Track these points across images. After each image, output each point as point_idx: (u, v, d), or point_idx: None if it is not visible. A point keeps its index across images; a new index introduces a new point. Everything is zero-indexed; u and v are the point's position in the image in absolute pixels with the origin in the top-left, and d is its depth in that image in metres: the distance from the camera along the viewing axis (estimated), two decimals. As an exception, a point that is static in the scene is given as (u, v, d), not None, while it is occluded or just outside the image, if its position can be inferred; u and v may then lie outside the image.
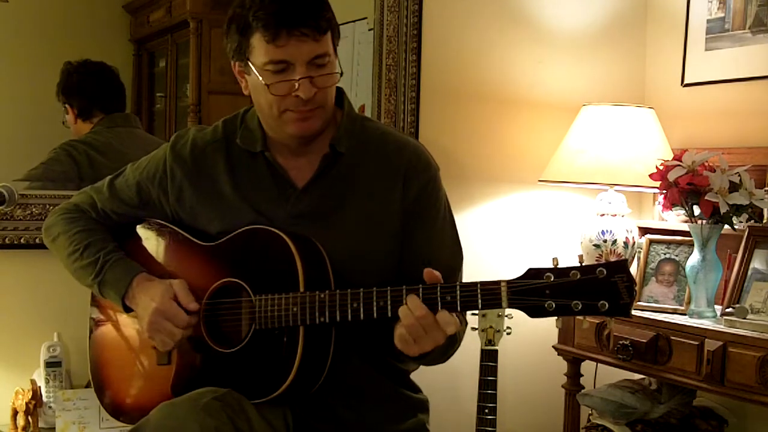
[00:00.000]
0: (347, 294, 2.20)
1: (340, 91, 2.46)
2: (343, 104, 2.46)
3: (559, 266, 2.06)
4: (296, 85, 2.25)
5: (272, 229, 2.32)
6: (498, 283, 2.08)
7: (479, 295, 2.11)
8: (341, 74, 2.34)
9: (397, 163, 2.40)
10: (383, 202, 2.38)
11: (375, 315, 2.17)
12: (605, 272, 2.00)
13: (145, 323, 2.37)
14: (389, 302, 2.16)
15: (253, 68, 2.29)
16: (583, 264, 2.04)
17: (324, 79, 2.29)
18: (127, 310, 2.44)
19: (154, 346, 2.41)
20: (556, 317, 2.07)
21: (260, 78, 2.28)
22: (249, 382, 2.30)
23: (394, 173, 2.39)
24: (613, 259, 3.31)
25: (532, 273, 2.06)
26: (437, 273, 2.15)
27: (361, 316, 2.18)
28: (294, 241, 2.27)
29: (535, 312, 2.05)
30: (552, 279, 2.03)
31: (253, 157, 2.43)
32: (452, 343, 2.32)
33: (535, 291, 2.04)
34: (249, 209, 2.40)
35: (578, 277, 2.02)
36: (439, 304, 2.12)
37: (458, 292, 2.11)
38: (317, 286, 2.24)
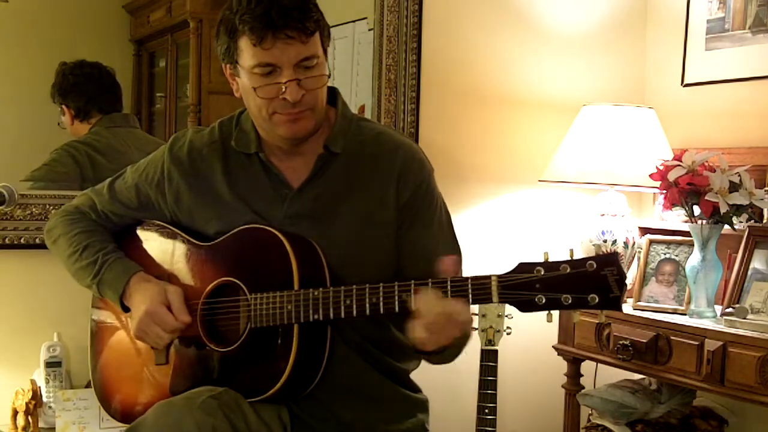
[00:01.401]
0: (340, 291, 2.20)
1: (334, 91, 2.47)
2: (337, 104, 2.46)
3: (549, 260, 2.06)
4: (283, 87, 2.25)
5: (268, 228, 2.33)
6: (488, 277, 2.08)
7: (470, 290, 2.10)
8: (329, 76, 2.33)
9: (391, 163, 2.40)
10: (378, 201, 2.38)
11: (368, 312, 2.17)
12: (595, 265, 2.00)
13: (134, 325, 2.39)
14: (381, 299, 2.16)
15: (241, 71, 2.29)
16: (574, 258, 2.04)
17: (312, 81, 2.28)
18: (126, 309, 2.45)
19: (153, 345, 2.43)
20: (547, 311, 2.07)
21: (248, 81, 2.28)
22: (245, 380, 2.31)
23: (389, 173, 2.39)
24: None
25: (523, 267, 2.07)
26: (447, 262, 2.16)
27: (354, 313, 2.19)
28: (289, 239, 2.28)
29: (525, 306, 2.05)
30: (542, 273, 2.03)
31: (249, 159, 2.43)
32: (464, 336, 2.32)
33: (526, 285, 2.04)
34: (246, 210, 2.41)
35: (568, 270, 2.01)
36: None
37: (449, 287, 2.11)
38: (312, 285, 2.25)
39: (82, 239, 2.54)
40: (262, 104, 2.30)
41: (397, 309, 2.16)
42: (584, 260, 2.01)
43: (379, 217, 2.38)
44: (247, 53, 2.25)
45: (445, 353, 2.27)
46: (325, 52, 2.32)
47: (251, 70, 2.26)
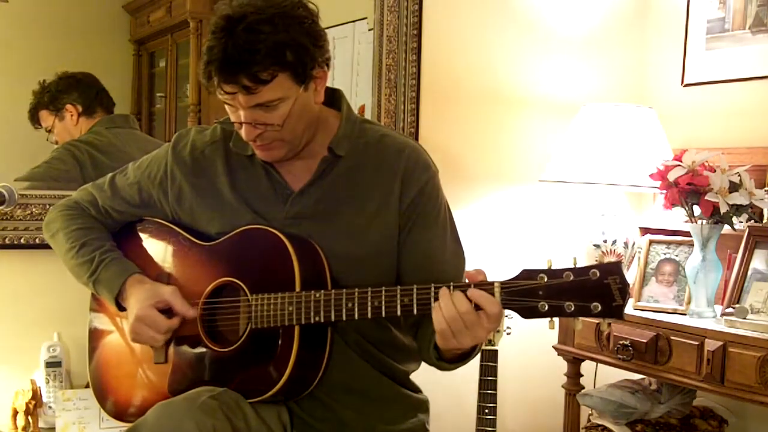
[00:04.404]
0: (342, 294, 2.20)
1: (338, 94, 2.46)
2: (342, 107, 2.45)
3: (553, 267, 2.05)
4: (241, 124, 2.25)
5: (270, 229, 2.32)
6: (491, 283, 2.07)
7: None
8: (283, 123, 2.25)
9: (395, 165, 2.39)
10: (381, 204, 2.37)
11: (369, 315, 2.17)
12: (598, 274, 1.99)
13: (128, 328, 2.40)
14: (383, 302, 2.16)
15: None
16: (577, 265, 2.04)
17: (269, 121, 2.24)
18: (121, 309, 2.46)
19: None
20: (549, 318, 2.06)
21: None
22: (245, 381, 2.30)
23: (392, 175, 2.38)
24: (612, 259, 3.31)
25: (526, 274, 2.05)
26: (475, 273, 2.14)
27: (356, 315, 2.18)
28: (291, 240, 2.28)
29: (528, 313, 2.04)
30: (545, 280, 2.02)
31: (250, 159, 2.42)
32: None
33: (529, 292, 2.03)
34: (247, 210, 2.40)
35: (571, 278, 2.01)
36: (432, 303, 2.12)
37: (451, 291, 2.09)
38: (314, 286, 2.24)
39: (80, 236, 2.53)
40: (236, 128, 2.31)
41: (399, 313, 2.15)
42: (587, 268, 2.01)
43: (382, 219, 2.37)
44: (211, 86, 2.24)
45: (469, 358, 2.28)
46: (304, 82, 2.23)
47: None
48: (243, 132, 2.26)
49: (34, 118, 3.17)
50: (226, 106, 2.27)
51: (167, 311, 2.38)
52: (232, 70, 2.14)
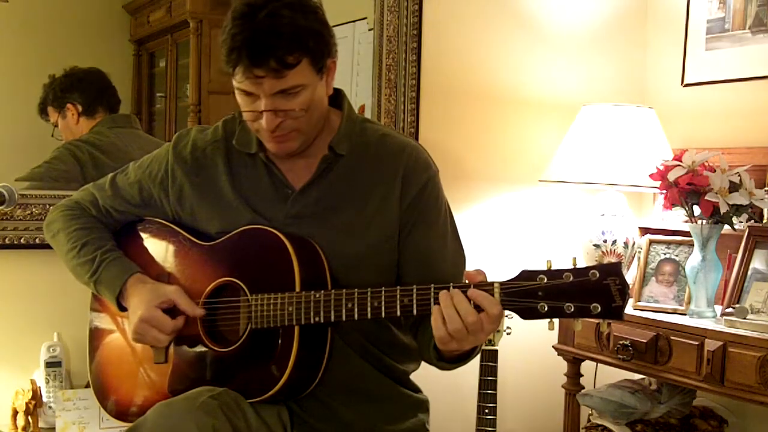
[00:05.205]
0: (342, 294, 2.20)
1: (339, 93, 2.46)
2: (343, 106, 2.45)
3: (552, 268, 2.05)
4: (261, 114, 2.25)
5: (270, 229, 2.32)
6: (491, 284, 2.07)
7: None
8: (307, 109, 2.28)
9: (395, 164, 2.39)
10: (381, 203, 2.37)
11: (369, 315, 2.17)
12: (598, 275, 1.99)
13: (131, 329, 2.39)
14: (383, 303, 2.16)
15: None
16: (577, 266, 2.03)
17: (291, 111, 2.25)
18: (122, 309, 2.45)
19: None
20: (548, 319, 2.06)
21: (237, 98, 2.29)
22: (245, 381, 2.30)
23: (393, 175, 2.38)
24: (613, 259, 3.31)
25: (526, 275, 2.05)
26: (475, 273, 2.14)
27: (356, 316, 2.18)
28: (291, 241, 2.28)
29: (527, 314, 2.04)
30: (545, 281, 2.02)
31: (252, 158, 2.43)
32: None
33: (528, 293, 2.03)
34: (247, 209, 2.40)
35: (571, 279, 2.00)
36: (432, 303, 2.12)
37: (451, 292, 2.10)
38: (314, 287, 2.24)
39: (81, 236, 2.52)
40: (249, 120, 2.31)
41: (398, 313, 2.16)
42: (587, 269, 2.01)
43: (383, 218, 2.37)
44: (235, 74, 2.25)
45: (469, 358, 2.28)
46: (320, 71, 2.27)
47: (236, 89, 2.27)
48: (263, 121, 2.25)
49: (44, 112, 3.19)
50: (243, 98, 2.27)
51: (171, 311, 2.38)
52: (261, 53, 2.16)
